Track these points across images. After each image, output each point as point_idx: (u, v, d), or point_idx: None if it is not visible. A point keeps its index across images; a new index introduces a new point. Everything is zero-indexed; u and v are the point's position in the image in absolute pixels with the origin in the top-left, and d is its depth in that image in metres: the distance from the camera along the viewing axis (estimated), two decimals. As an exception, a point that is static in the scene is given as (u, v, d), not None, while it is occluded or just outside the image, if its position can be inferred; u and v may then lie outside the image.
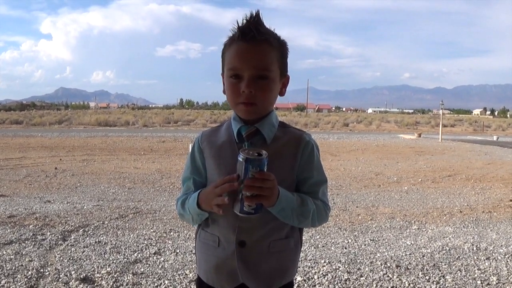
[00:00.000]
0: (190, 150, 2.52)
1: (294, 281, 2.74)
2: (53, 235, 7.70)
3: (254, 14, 2.19)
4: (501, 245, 7.72)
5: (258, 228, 2.29)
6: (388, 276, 6.12)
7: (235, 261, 2.31)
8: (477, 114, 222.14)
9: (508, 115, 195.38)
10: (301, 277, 5.97)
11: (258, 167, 1.95)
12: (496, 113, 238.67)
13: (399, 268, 6.43)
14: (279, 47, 2.28)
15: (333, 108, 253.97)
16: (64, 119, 65.92)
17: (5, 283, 5.56)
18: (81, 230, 8.16)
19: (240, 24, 2.21)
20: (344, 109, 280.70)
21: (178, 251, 7.04)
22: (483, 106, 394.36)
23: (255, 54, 2.19)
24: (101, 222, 8.75)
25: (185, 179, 2.53)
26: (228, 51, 2.27)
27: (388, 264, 6.56)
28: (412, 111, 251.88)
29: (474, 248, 7.49)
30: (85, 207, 10.12)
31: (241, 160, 1.96)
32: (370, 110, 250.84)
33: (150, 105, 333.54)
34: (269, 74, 2.21)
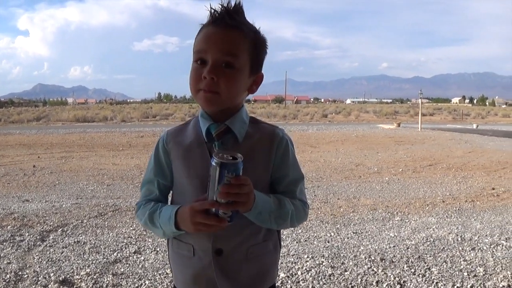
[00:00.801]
0: (153, 150, 2.34)
1: (277, 280, 2.58)
2: (31, 236, 7.58)
3: (234, 3, 2.04)
4: (486, 235, 7.68)
5: (234, 234, 2.14)
6: (372, 270, 6.04)
7: (213, 270, 2.16)
8: (456, 103, 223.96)
9: (487, 103, 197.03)
10: (284, 273, 5.89)
11: (234, 172, 1.80)
12: (475, 101, 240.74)
13: (383, 261, 6.36)
14: (253, 39, 2.10)
15: (312, 100, 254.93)
16: (42, 115, 65.69)
17: (-18, 287, 5.44)
18: (59, 229, 8.03)
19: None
20: (322, 100, 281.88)
21: (158, 249, 6.94)
22: (462, 95, 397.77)
23: (223, 38, 2.02)
24: (80, 221, 8.63)
25: (146, 181, 2.38)
26: (197, 37, 2.12)
27: (372, 258, 6.49)
28: (390, 100, 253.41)
29: (459, 239, 7.44)
30: (63, 205, 9.98)
31: (214, 165, 1.79)
32: (348, 101, 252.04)
33: (128, 100, 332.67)
34: (235, 61, 2.02)
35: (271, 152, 2.18)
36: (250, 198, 1.92)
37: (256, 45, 2.12)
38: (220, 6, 2.03)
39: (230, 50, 2.01)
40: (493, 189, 12.12)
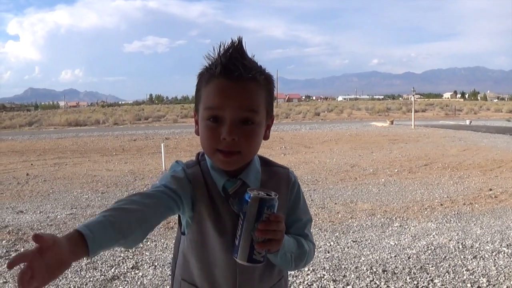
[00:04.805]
0: (173, 173, 1.93)
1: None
2: (26, 251, 7.43)
3: (237, 43, 1.81)
4: (487, 242, 7.62)
5: (258, 279, 2.00)
6: (375, 283, 5.95)
7: None
8: (448, 98, 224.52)
9: (478, 98, 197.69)
10: (286, 288, 5.79)
11: (271, 209, 1.72)
12: (466, 96, 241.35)
13: (385, 273, 6.27)
14: (267, 85, 1.93)
15: (303, 97, 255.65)
16: (34, 120, 65.25)
17: (-23, 310, 5.33)
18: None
19: (219, 54, 1.82)
20: (314, 97, 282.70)
21: (156, 263, 6.82)
22: (453, 89, 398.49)
23: (241, 94, 1.82)
24: (76, 234, 8.48)
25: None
26: (205, 88, 1.88)
27: (374, 269, 6.40)
28: (382, 97, 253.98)
29: (460, 246, 7.37)
30: (58, 216, 9.86)
31: (252, 201, 1.70)
32: (340, 98, 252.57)
33: (120, 102, 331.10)
34: (256, 117, 1.85)
35: (286, 197, 2.07)
36: (283, 237, 1.81)
37: (270, 91, 1.96)
38: (229, 53, 1.81)
39: (251, 106, 1.85)
40: (491, 190, 12.04)
